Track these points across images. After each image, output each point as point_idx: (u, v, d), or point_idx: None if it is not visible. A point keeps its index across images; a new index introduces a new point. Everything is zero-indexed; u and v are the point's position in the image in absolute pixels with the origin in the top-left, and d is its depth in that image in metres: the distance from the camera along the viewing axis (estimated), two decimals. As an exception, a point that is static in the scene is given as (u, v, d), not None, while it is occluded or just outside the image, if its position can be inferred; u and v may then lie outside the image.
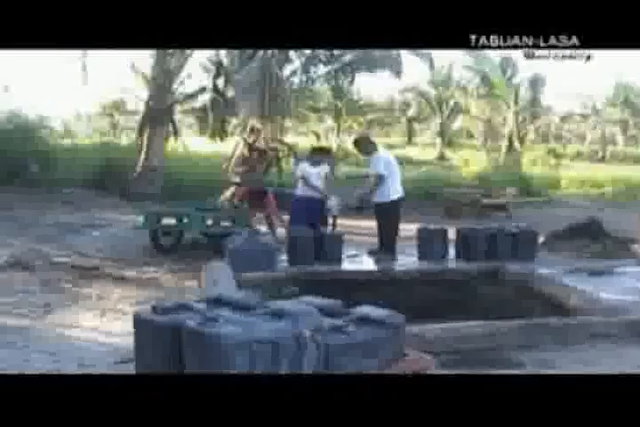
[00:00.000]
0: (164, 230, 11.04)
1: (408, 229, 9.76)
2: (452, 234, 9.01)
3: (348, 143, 29.76)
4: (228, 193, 12.35)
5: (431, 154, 43.18)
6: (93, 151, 21.33)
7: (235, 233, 8.76)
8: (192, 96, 24.47)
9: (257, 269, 7.47)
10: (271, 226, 11.56)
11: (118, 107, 48.70)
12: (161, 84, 18.63)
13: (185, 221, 10.82)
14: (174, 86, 19.65)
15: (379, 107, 51.32)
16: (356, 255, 9.05)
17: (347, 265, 8.43)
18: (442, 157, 41.29)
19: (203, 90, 23.75)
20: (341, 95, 40.17)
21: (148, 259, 10.25)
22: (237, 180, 12.27)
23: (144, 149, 18.36)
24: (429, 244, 8.81)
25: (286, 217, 10.97)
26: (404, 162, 20.54)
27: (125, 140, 26.82)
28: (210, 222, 10.85)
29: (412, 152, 41.34)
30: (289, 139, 24.43)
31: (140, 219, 11.02)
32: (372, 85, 59.18)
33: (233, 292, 5.86)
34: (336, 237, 8.73)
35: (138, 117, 21.57)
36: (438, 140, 45.85)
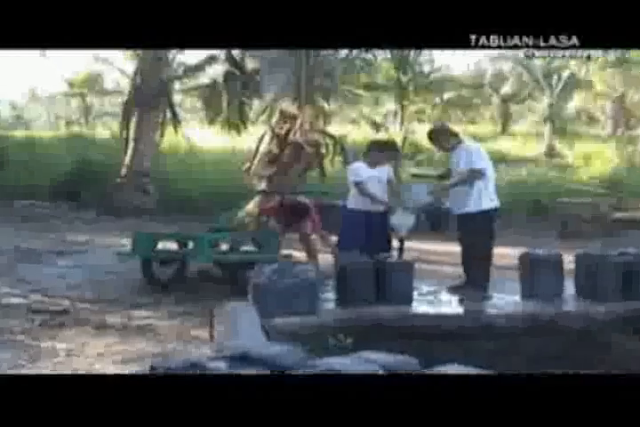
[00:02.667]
0: (162, 259, 11.11)
1: (507, 254, 9.74)
2: (569, 262, 8.97)
3: (419, 134, 29.77)
4: (250, 205, 12.44)
5: (536, 148, 42.89)
6: (58, 147, 21.61)
7: (261, 262, 8.82)
8: (197, 69, 24.65)
9: (293, 311, 7.51)
10: (311, 251, 11.56)
11: (92, 84, 49.19)
12: (152, 53, 18.71)
13: (190, 245, 10.92)
14: (171, 55, 19.78)
15: (460, 82, 51.07)
16: (432, 292, 9.06)
17: (420, 307, 8.44)
18: (551, 153, 41.00)
19: (212, 60, 23.87)
20: (407, 67, 40.15)
21: (139, 299, 10.30)
22: (263, 186, 12.35)
23: (130, 145, 18.53)
24: (538, 276, 8.79)
25: (334, 239, 10.97)
26: (496, 160, 20.47)
27: (103, 131, 27.12)
28: (225, 247, 10.92)
29: (508, 146, 41.06)
30: (335, 129, 24.48)
31: (128, 243, 11.12)
32: (450, 53, 59.16)
33: (261, 345, 5.88)
34: (404, 268, 8.74)
35: (120, 99, 21.84)
36: (546, 129, 45.51)
